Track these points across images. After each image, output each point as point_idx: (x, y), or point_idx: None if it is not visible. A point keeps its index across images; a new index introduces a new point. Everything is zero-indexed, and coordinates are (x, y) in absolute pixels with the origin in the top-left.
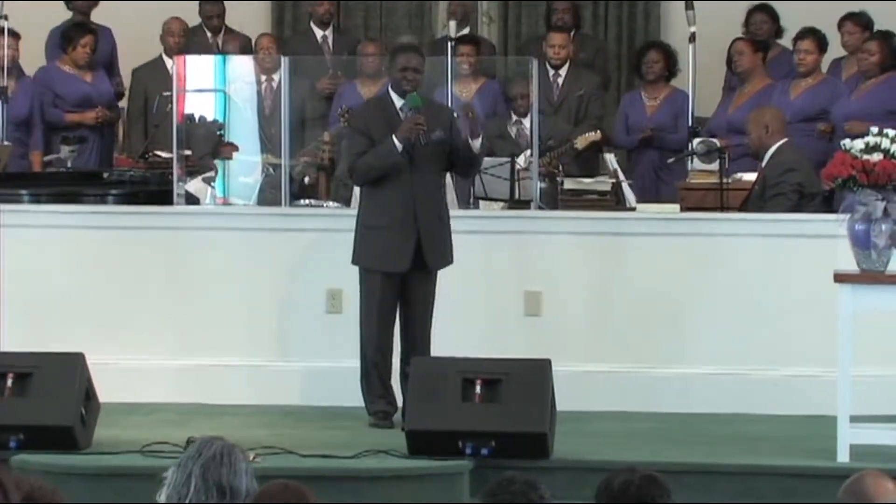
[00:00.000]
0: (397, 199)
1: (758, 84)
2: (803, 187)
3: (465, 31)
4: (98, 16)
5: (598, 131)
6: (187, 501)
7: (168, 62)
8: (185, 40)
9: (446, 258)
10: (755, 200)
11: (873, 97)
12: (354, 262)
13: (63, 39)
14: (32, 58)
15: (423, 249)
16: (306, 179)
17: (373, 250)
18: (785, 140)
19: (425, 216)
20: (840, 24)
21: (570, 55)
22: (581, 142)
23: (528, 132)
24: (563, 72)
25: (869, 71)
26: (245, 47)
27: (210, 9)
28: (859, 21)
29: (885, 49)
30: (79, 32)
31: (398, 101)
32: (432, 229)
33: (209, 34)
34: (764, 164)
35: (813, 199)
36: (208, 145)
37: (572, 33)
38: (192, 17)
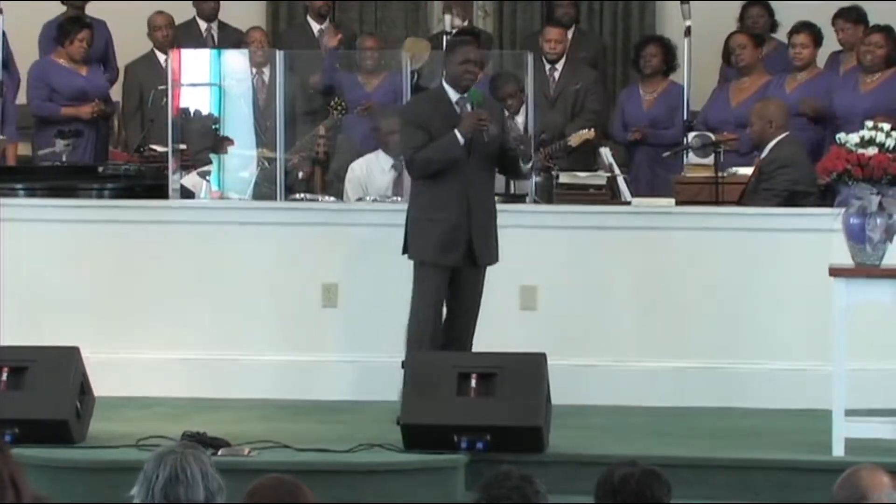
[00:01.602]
0: (453, 193)
1: (758, 79)
2: (796, 184)
3: (464, 24)
4: (91, 10)
5: (592, 129)
6: None
7: (160, 57)
8: (173, 32)
9: (493, 256)
10: (750, 193)
11: (884, 91)
12: (410, 255)
13: (59, 33)
14: (25, 52)
15: (473, 245)
16: (300, 175)
17: (430, 243)
18: (785, 134)
19: (478, 212)
20: (833, 22)
21: (566, 51)
22: (575, 139)
23: (519, 128)
24: (559, 66)
25: (874, 64)
26: (239, 42)
27: None
28: (850, 16)
29: (890, 42)
30: (75, 27)
31: (454, 95)
32: (484, 226)
33: (202, 24)
34: (762, 156)
35: (808, 197)
36: (203, 139)
37: (571, 30)
38: (182, 12)
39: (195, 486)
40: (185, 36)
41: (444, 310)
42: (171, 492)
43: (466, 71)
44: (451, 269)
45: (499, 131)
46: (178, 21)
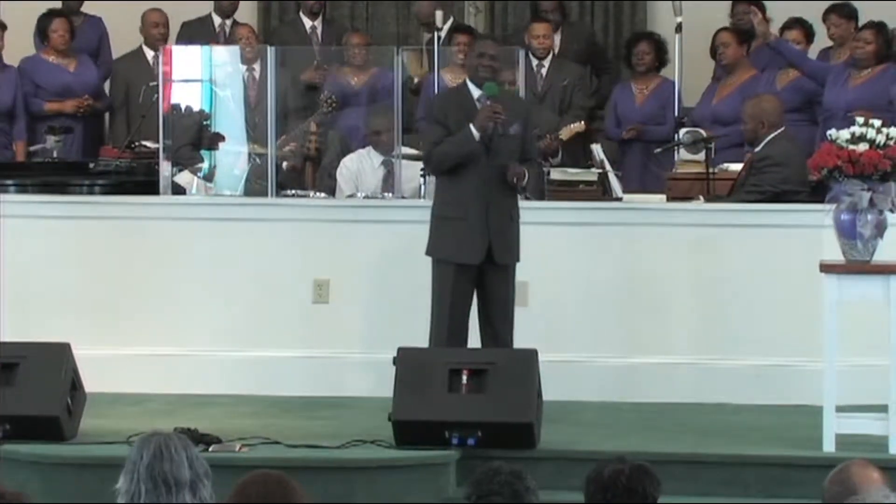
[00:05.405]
0: (472, 191)
1: (742, 75)
2: (785, 183)
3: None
4: (88, 7)
5: (583, 122)
6: (142, 502)
7: (149, 53)
8: (168, 31)
9: (513, 255)
10: (738, 187)
11: (871, 87)
12: (428, 252)
13: (38, 30)
14: (25, 49)
15: (492, 244)
16: (284, 165)
17: (447, 242)
18: (781, 130)
19: (497, 211)
20: (824, 18)
21: (552, 46)
22: (565, 132)
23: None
24: (546, 62)
25: (863, 60)
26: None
27: None
28: (842, 12)
29: (879, 39)
30: (49, 19)
31: (476, 92)
32: (502, 224)
33: (217, 20)
34: (756, 150)
35: (797, 195)
36: (189, 135)
37: (559, 27)
38: (175, 10)
39: (180, 464)
40: (199, 32)
41: (479, 311)
42: (157, 467)
43: (480, 64)
44: (475, 269)
45: (521, 128)
46: (171, 19)
